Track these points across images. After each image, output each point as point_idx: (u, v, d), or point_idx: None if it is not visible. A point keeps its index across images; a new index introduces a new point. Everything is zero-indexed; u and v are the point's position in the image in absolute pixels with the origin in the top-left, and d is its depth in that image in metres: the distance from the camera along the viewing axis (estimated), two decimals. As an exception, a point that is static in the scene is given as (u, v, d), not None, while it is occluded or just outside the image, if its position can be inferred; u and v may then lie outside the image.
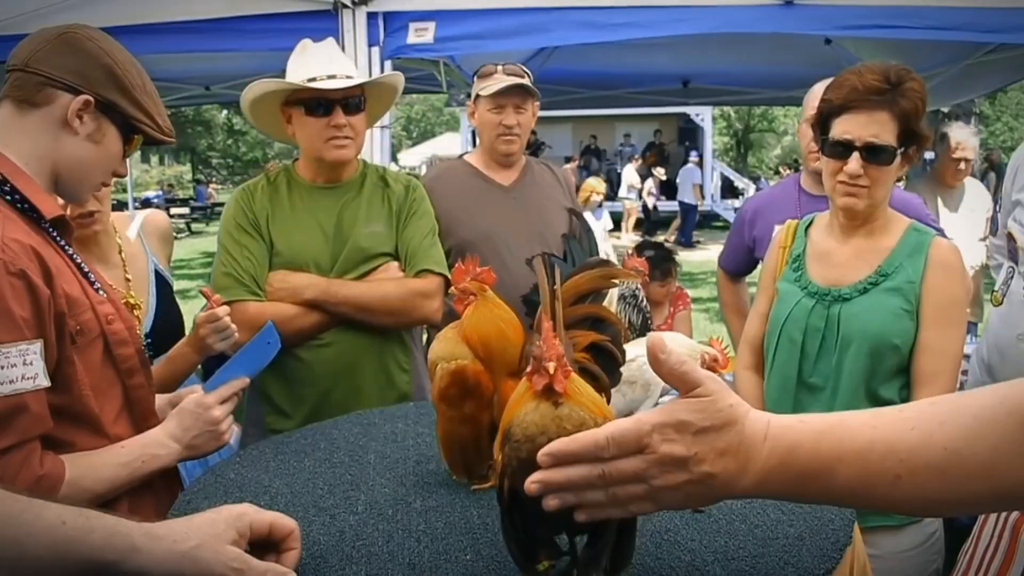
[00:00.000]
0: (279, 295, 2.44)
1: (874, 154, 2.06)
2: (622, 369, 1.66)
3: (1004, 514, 1.38)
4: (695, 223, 18.69)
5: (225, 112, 33.82)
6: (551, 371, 1.04)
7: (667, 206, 20.43)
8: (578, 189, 7.17)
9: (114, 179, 1.84)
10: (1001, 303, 2.48)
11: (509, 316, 1.42)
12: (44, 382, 1.47)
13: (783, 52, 6.37)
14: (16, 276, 1.45)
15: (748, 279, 3.53)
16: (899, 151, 2.07)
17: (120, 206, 16.75)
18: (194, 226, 24.45)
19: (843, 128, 2.09)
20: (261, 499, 1.47)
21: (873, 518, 2.08)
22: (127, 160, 1.83)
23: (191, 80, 7.74)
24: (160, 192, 25.85)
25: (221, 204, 26.10)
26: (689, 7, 4.24)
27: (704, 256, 14.90)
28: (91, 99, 1.60)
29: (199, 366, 2.32)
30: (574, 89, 7.87)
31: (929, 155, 5.30)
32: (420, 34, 4.39)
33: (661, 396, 1.77)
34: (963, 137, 4.72)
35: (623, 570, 1.14)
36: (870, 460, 0.93)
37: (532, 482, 0.97)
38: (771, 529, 1.31)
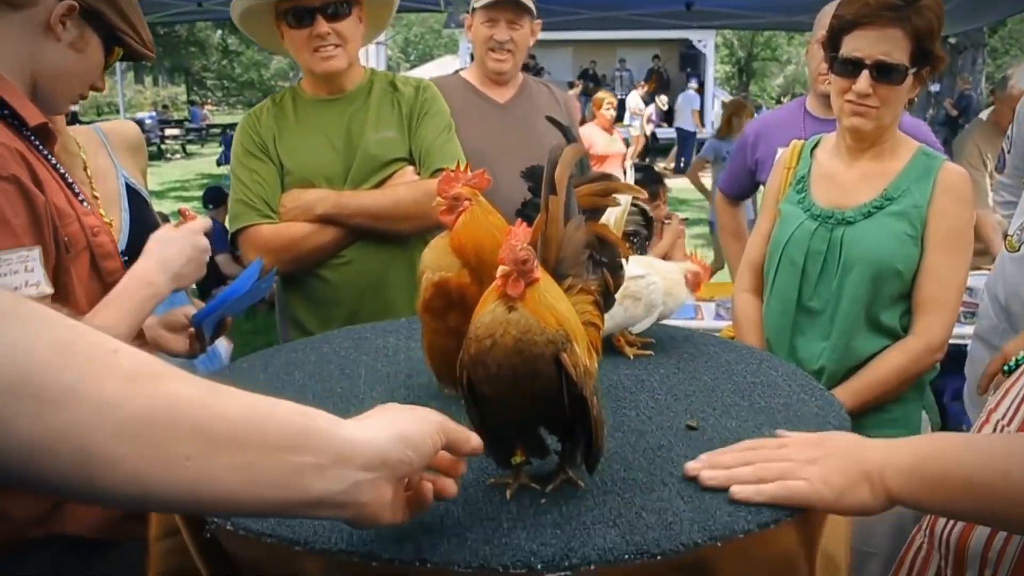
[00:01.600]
0: (292, 214, 2.40)
1: (884, 73, 2.00)
2: (629, 283, 1.63)
3: (1006, 422, 1.37)
4: (692, 150, 18.51)
5: (220, 32, 33.20)
6: (505, 275, 1.06)
7: (666, 133, 20.22)
8: (583, 122, 7.02)
9: (97, 97, 1.78)
10: (1017, 249, 2.43)
11: (503, 224, 1.38)
12: (47, 289, 1.45)
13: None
14: (8, 181, 1.41)
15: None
16: (911, 71, 2.01)
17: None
18: (189, 148, 24.21)
19: (853, 45, 2.02)
20: (250, 410, 1.44)
21: (870, 431, 2.07)
22: (106, 75, 1.77)
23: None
24: (154, 113, 25.50)
25: (216, 126, 25.89)
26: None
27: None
28: (76, 5, 1.54)
29: (193, 285, 2.29)
30: (575, 10, 7.69)
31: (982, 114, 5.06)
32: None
33: (659, 320, 1.75)
34: None
35: (596, 465, 1.15)
36: (980, 448, 1.10)
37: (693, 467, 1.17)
38: (766, 447, 1.29)
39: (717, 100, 22.14)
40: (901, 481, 1.08)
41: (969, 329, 3.22)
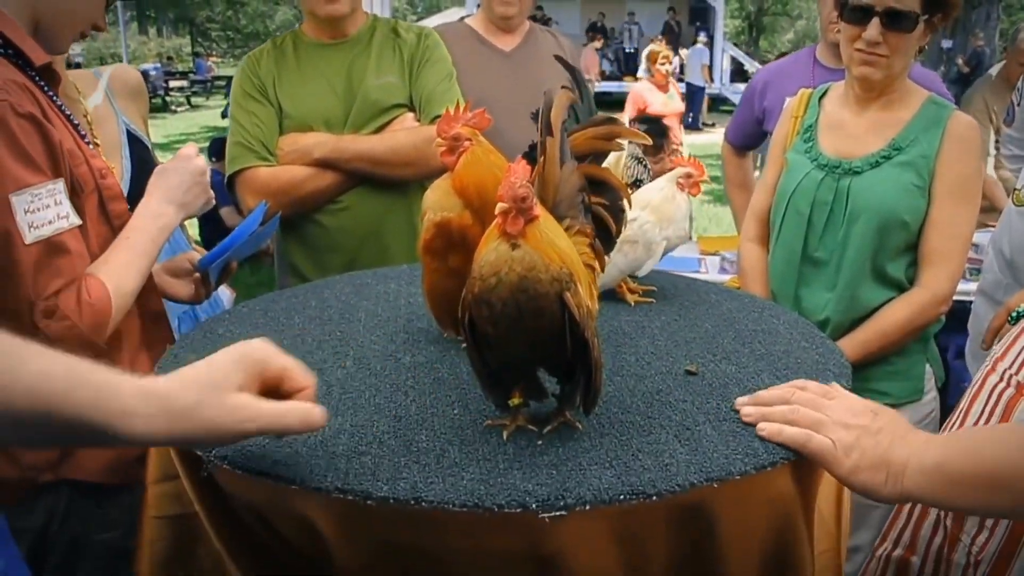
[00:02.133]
0: (290, 158, 2.38)
1: (895, 20, 1.96)
2: (626, 227, 1.62)
3: (998, 391, 1.35)
4: (702, 105, 18.32)
5: (225, -19, 32.86)
6: (504, 212, 1.04)
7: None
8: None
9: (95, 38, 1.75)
10: None
11: (504, 164, 1.36)
12: (76, 220, 1.49)
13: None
14: (25, 118, 1.42)
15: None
16: (922, 18, 1.97)
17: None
18: (194, 100, 24.07)
19: None
20: (248, 353, 1.44)
21: (871, 395, 2.00)
22: (109, 25, 1.73)
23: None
24: (158, 65, 25.30)
25: (221, 78, 25.70)
26: None
27: (711, 139, 14.69)
28: None
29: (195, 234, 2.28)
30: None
31: (994, 68, 4.95)
32: None
33: (669, 249, 1.73)
34: None
35: (594, 407, 1.15)
36: (1002, 437, 1.10)
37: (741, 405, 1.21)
38: (766, 392, 1.28)
39: (726, 55, 21.92)
40: (919, 480, 1.09)
41: (973, 286, 3.20)
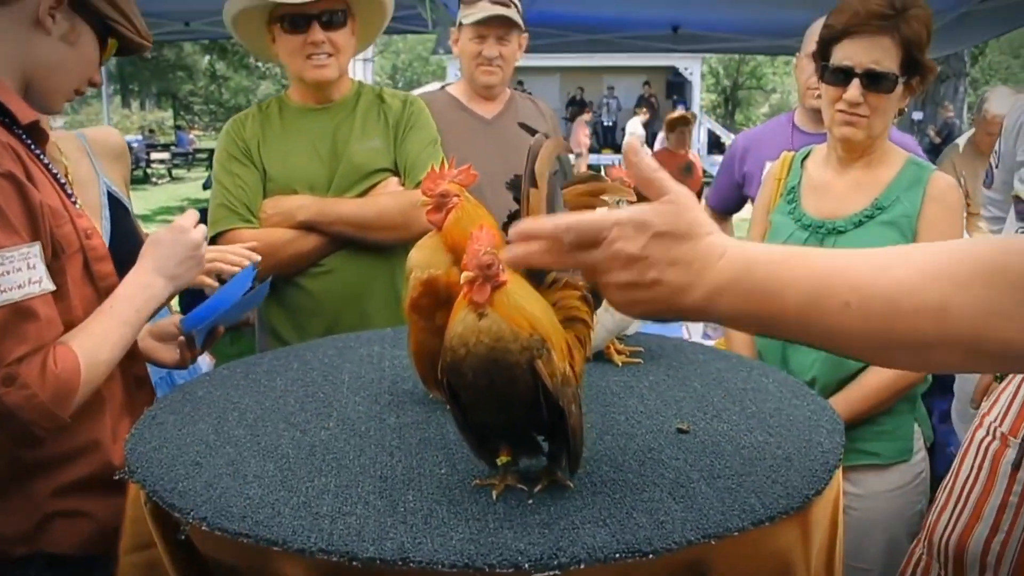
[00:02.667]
0: (273, 220, 2.36)
1: (875, 81, 1.99)
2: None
3: (984, 444, 1.34)
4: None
5: (208, 57, 33.29)
6: (470, 281, 1.04)
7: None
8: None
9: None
10: None
11: (492, 221, 1.35)
12: (49, 285, 1.43)
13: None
14: (5, 177, 1.38)
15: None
16: (901, 80, 2.00)
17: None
18: (175, 172, 24.14)
19: (844, 54, 2.01)
20: (230, 415, 1.41)
21: (860, 456, 2.04)
22: (92, 97, 1.72)
23: (170, 15, 7.53)
24: (140, 137, 25.43)
25: (202, 150, 25.82)
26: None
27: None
28: None
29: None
30: (562, 32, 7.71)
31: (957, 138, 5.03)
32: (405, -36, 4.25)
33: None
34: (999, 109, 4.36)
35: (576, 468, 1.12)
36: (821, 283, 0.91)
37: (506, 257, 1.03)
38: (758, 450, 1.26)
39: (703, 127, 22.30)
40: (722, 298, 0.93)
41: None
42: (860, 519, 2.07)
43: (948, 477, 1.47)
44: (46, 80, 1.56)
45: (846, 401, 2.01)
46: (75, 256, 1.54)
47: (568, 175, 1.41)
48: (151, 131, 28.58)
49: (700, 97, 23.59)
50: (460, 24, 3.02)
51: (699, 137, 21.25)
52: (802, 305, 0.91)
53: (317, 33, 2.34)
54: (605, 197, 1.39)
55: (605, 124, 23.33)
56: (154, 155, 23.59)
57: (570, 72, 22.57)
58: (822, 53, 2.08)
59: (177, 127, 32.61)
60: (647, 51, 9.43)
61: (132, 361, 1.68)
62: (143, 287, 1.62)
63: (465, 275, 1.04)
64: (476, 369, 1.04)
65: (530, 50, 3.31)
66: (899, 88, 2.00)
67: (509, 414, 1.09)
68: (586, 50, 11.12)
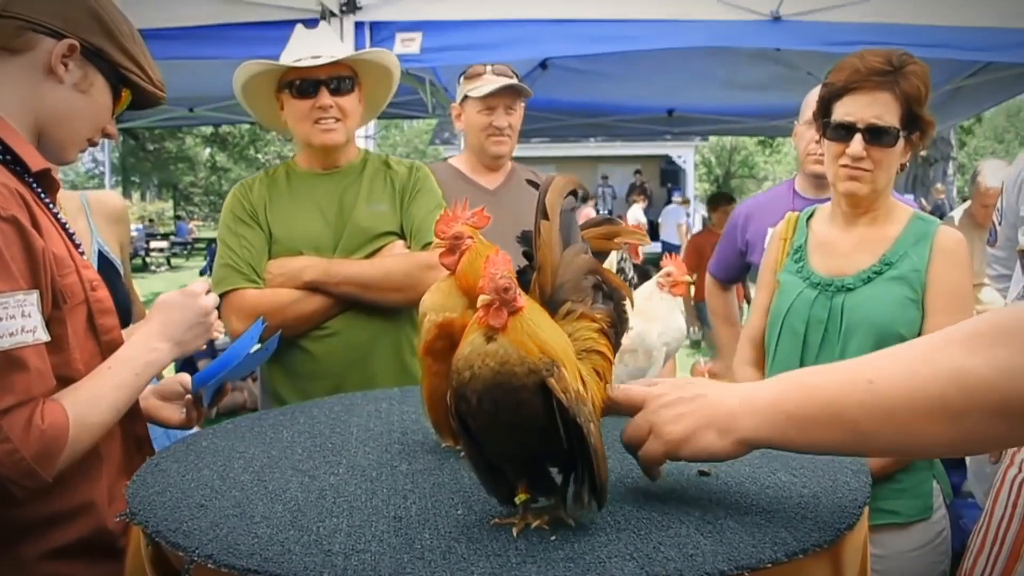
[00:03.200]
0: (278, 281, 2.34)
1: (877, 136, 2.00)
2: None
3: (1019, 482, 1.30)
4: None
5: (208, 149, 33.78)
6: (487, 305, 1.02)
7: (649, 248, 20.44)
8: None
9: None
10: None
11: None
12: (44, 336, 1.37)
13: (768, 82, 6.39)
14: (8, 222, 1.35)
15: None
16: (902, 134, 2.02)
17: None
18: (173, 261, 24.27)
19: (845, 110, 2.04)
20: (235, 463, 1.36)
21: (880, 515, 1.98)
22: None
23: (174, 101, 7.64)
24: (140, 226, 25.63)
25: (201, 240, 26.03)
26: (677, 21, 4.22)
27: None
28: (76, 44, 1.49)
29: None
30: (557, 117, 7.84)
31: (956, 211, 5.08)
32: (407, 44, 4.34)
33: (671, 353, 1.69)
34: (993, 182, 4.41)
35: (604, 500, 1.08)
36: (846, 373, 1.02)
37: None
38: (784, 489, 1.22)
39: (697, 214, 22.55)
40: (755, 423, 1.06)
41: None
42: (881, 570, 2.00)
43: (981, 520, 1.42)
44: (58, 129, 1.55)
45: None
46: (79, 307, 1.51)
47: (574, 235, 1.40)
48: (151, 221, 28.87)
49: (694, 185, 23.92)
50: (465, 98, 3.06)
51: (694, 223, 21.47)
52: (830, 390, 1.00)
53: (325, 98, 2.37)
54: (619, 240, 1.38)
55: (602, 213, 23.58)
56: (153, 244, 23.78)
57: (565, 162, 22.90)
58: (823, 111, 2.11)
59: (177, 217, 32.93)
60: (643, 135, 9.60)
61: (133, 421, 1.64)
62: (147, 350, 1.58)
63: (482, 298, 1.01)
64: (480, 393, 1.01)
65: (525, 134, 3.35)
66: (900, 142, 2.02)
67: (521, 441, 1.05)
68: (581, 134, 11.31)
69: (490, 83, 2.98)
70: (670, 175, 23.92)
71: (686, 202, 20.11)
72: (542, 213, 1.18)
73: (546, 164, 23.58)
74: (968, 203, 4.79)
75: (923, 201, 14.47)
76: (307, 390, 2.34)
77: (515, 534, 1.04)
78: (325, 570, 0.94)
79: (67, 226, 1.58)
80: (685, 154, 21.79)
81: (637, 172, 23.99)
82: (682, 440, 1.09)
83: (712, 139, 31.25)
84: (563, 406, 1.01)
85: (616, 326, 1.23)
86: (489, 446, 1.07)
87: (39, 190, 1.51)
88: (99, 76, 1.54)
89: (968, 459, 2.75)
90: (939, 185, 14.72)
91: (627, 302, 1.30)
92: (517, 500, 1.10)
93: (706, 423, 1.09)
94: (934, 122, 2.11)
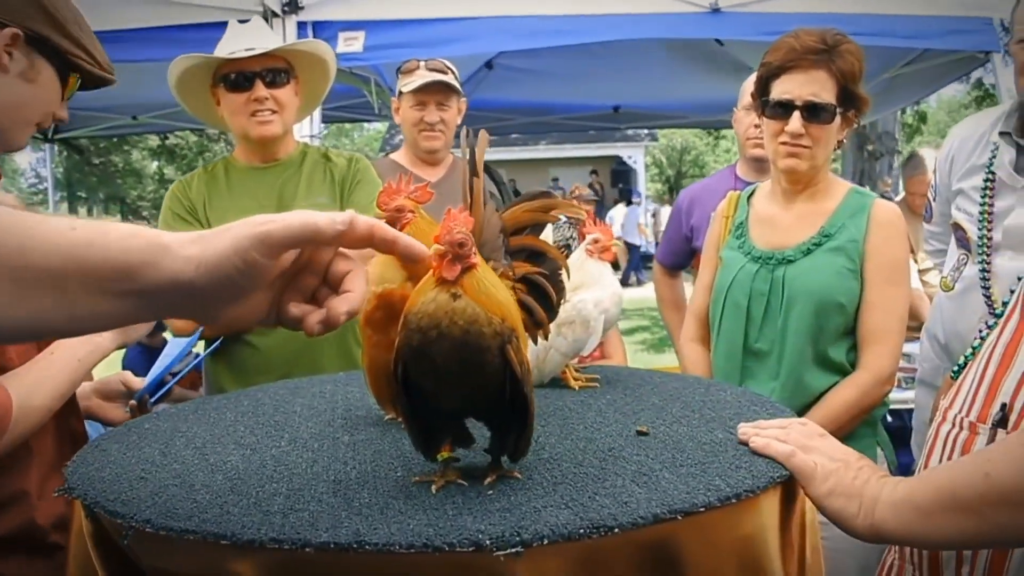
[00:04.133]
0: None
1: (814, 113, 2.05)
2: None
3: (952, 437, 1.34)
4: (638, 262, 18.65)
5: (156, 162, 33.30)
6: (441, 255, 1.01)
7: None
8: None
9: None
10: (952, 288, 2.47)
11: None
12: None
13: (710, 75, 6.47)
14: None
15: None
16: (839, 111, 2.07)
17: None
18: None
19: (783, 88, 2.08)
20: (178, 440, 1.35)
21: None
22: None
23: (117, 109, 7.52)
24: (87, 242, 25.13)
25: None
26: (619, 15, 4.27)
27: (640, 294, 14.95)
28: (19, 32, 1.47)
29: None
30: (507, 116, 7.86)
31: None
32: (349, 43, 4.33)
33: (610, 323, 1.70)
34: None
35: (522, 458, 1.12)
36: (962, 462, 1.14)
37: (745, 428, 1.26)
38: (720, 445, 1.24)
39: (647, 213, 22.74)
40: (889, 514, 1.11)
41: (909, 394, 3.22)
42: (831, 548, 2.03)
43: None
44: (5, 117, 1.51)
45: (807, 424, 2.00)
46: None
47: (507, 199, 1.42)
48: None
49: (645, 185, 24.10)
50: (400, 93, 3.08)
51: (648, 222, 21.65)
52: (947, 480, 1.09)
53: (260, 90, 2.37)
54: (555, 213, 1.40)
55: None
56: (101, 259, 23.37)
57: (516, 164, 22.96)
58: (762, 90, 2.15)
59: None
60: (590, 133, 9.67)
61: (69, 415, 1.61)
62: (86, 340, 1.57)
63: (435, 248, 1.01)
64: (447, 353, 1.00)
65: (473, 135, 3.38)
66: (837, 119, 2.07)
67: (471, 401, 1.06)
68: (530, 133, 11.30)
69: (421, 78, 3.01)
70: (621, 175, 24.09)
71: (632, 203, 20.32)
72: (472, 170, 1.19)
73: (498, 167, 23.67)
74: (904, 196, 4.87)
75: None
76: (253, 383, 2.33)
77: (434, 491, 1.05)
78: (263, 527, 0.94)
79: None
80: (635, 154, 21.98)
81: (593, 173, 24.11)
82: (829, 492, 1.16)
83: (662, 140, 31.54)
84: (516, 377, 1.03)
85: (544, 291, 1.24)
86: (434, 404, 1.08)
87: None
88: (45, 63, 1.52)
89: (913, 434, 2.80)
90: (886, 178, 14.99)
91: (563, 272, 1.32)
92: (440, 457, 1.11)
93: (853, 494, 1.15)
94: (869, 99, 2.16)
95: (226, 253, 0.83)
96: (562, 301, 1.33)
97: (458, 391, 1.05)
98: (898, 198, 4.96)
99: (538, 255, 1.30)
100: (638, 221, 18.85)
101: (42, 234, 0.78)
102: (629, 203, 19.82)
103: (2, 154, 1.57)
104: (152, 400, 1.83)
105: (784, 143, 2.08)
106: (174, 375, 1.96)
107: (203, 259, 0.82)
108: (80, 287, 0.79)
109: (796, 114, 2.04)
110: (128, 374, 1.84)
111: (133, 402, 1.80)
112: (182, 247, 0.82)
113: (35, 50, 1.51)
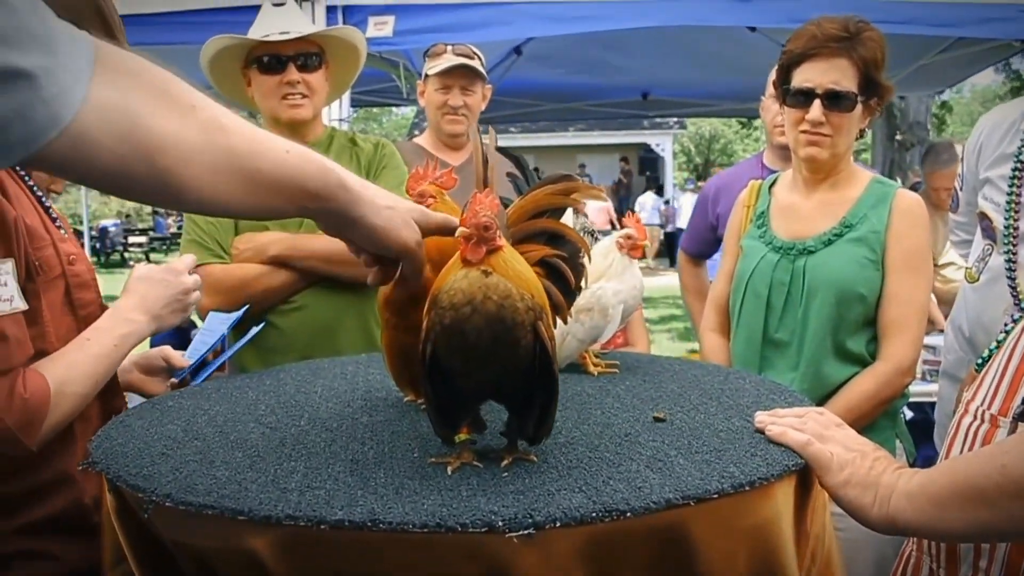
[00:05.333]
0: (245, 256, 2.34)
1: (835, 101, 2.03)
2: (578, 297, 1.60)
3: (973, 429, 1.33)
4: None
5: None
6: (467, 238, 1.03)
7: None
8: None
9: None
10: (977, 279, 2.45)
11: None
12: (21, 304, 1.37)
13: (742, 62, 6.42)
14: None
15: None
16: (860, 99, 2.05)
17: (76, 235, 16.42)
18: (152, 256, 24.11)
19: (804, 76, 2.07)
20: (200, 418, 1.37)
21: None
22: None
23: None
24: (118, 221, 25.45)
25: (179, 234, 25.87)
26: (650, 2, 4.24)
27: (664, 281, 14.91)
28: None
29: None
30: (533, 102, 7.85)
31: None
32: (379, 27, 4.34)
33: (628, 313, 1.70)
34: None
35: (543, 440, 1.13)
36: (979, 453, 1.15)
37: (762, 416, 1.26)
38: (737, 432, 1.24)
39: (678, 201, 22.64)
40: (904, 505, 1.11)
41: (932, 387, 3.20)
42: (847, 539, 2.02)
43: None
44: None
45: (827, 414, 2.00)
46: (56, 281, 1.49)
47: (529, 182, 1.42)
48: (128, 216, 28.63)
49: (673, 174, 23.98)
50: (426, 75, 3.09)
51: (679, 209, 21.55)
52: (963, 472, 1.09)
53: (292, 73, 2.38)
54: (576, 196, 1.40)
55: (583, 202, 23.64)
56: (132, 239, 23.62)
57: (544, 151, 22.93)
58: (783, 78, 2.13)
59: (154, 212, 32.67)
60: (619, 120, 9.64)
61: (111, 395, 1.63)
62: (125, 322, 1.58)
63: (461, 231, 1.02)
64: (481, 329, 1.01)
65: (502, 122, 3.38)
66: (859, 108, 2.05)
67: (500, 378, 1.07)
68: (558, 119, 11.28)
69: (447, 61, 3.01)
70: (649, 163, 23.98)
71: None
72: (485, 163, 1.21)
73: (526, 154, 23.59)
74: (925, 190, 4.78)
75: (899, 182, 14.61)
76: (275, 364, 2.35)
77: (449, 472, 1.06)
78: (280, 504, 0.95)
79: (43, 199, 1.58)
80: (663, 142, 21.84)
81: (623, 160, 24.02)
82: (844, 482, 1.16)
83: (691, 127, 31.34)
84: (547, 352, 1.04)
85: (562, 274, 1.24)
86: (464, 382, 1.08)
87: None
88: None
89: (936, 427, 2.78)
90: (916, 167, 14.83)
91: (584, 256, 1.32)
92: (458, 439, 1.13)
93: (869, 484, 1.15)
94: (892, 88, 2.14)
95: (400, 213, 1.14)
96: (581, 285, 1.34)
97: (488, 369, 1.06)
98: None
99: (558, 238, 1.30)
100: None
101: (269, 149, 0.99)
102: (659, 192, 19.78)
103: None
104: (194, 381, 1.84)
105: (804, 131, 2.07)
106: (217, 355, 1.97)
107: (392, 208, 1.13)
108: (294, 194, 1.02)
109: (816, 102, 2.03)
110: (168, 349, 1.86)
111: (174, 380, 1.82)
112: (376, 196, 1.11)
113: None
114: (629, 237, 1.72)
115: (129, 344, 1.58)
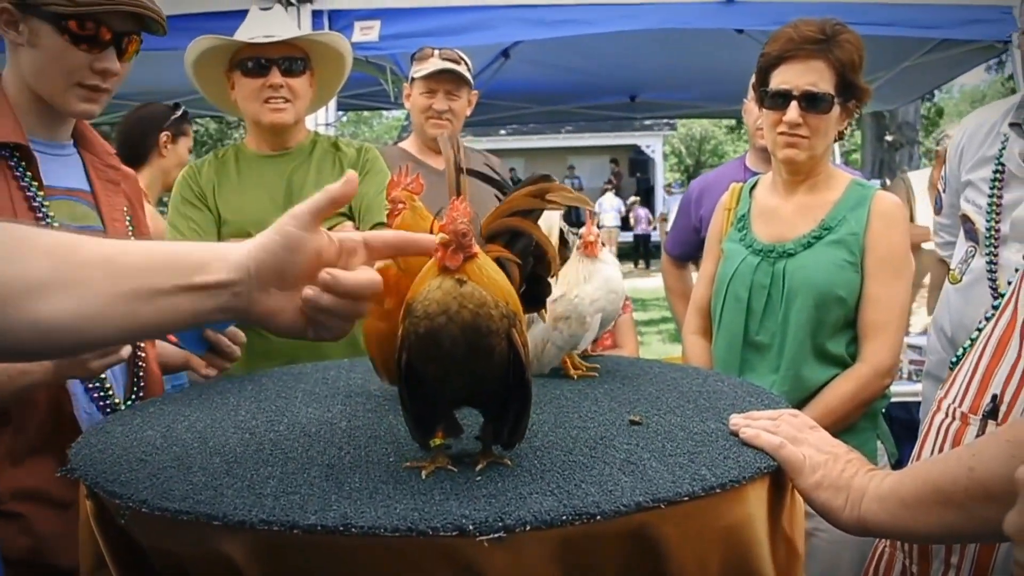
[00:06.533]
0: None
1: (812, 103, 2.05)
2: (555, 305, 1.62)
3: (944, 427, 1.34)
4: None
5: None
6: (445, 244, 1.03)
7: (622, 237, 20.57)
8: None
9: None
10: (960, 281, 2.47)
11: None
12: None
13: (728, 64, 6.45)
14: None
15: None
16: (838, 101, 2.07)
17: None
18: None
19: (781, 78, 2.09)
20: (179, 424, 1.38)
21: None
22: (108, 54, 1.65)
23: (137, 96, 7.55)
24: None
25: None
26: (635, 4, 4.26)
27: (656, 283, 14.94)
28: (6, 6, 1.54)
29: None
30: (523, 105, 7.87)
31: None
32: (365, 32, 4.35)
33: (608, 319, 1.71)
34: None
35: (517, 444, 1.14)
36: (948, 456, 1.13)
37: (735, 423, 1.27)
38: (711, 435, 1.26)
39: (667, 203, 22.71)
40: (875, 508, 1.13)
41: (919, 387, 3.22)
42: (829, 540, 2.04)
43: (910, 462, 1.47)
44: (37, 87, 1.61)
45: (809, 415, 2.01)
46: None
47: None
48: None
49: (664, 175, 24.02)
50: (412, 79, 3.10)
51: (671, 210, 21.60)
52: (932, 476, 1.09)
53: (276, 77, 2.39)
54: (551, 197, 1.41)
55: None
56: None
57: (534, 153, 22.96)
58: (761, 80, 2.15)
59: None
60: (608, 123, 9.66)
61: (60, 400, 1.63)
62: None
63: (440, 237, 1.03)
64: (455, 338, 1.02)
65: (491, 124, 3.40)
66: (836, 109, 2.07)
67: (475, 386, 1.08)
68: (547, 122, 11.29)
69: (433, 65, 3.03)
70: (639, 164, 24.02)
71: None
72: (458, 169, 1.23)
73: (516, 156, 23.61)
74: (929, 170, 4.81)
75: (887, 182, 14.66)
76: (258, 368, 2.36)
77: (423, 477, 1.07)
78: (254, 509, 0.96)
79: (33, 199, 1.59)
80: (653, 143, 21.90)
81: (613, 162, 24.04)
82: (816, 484, 1.16)
83: (681, 129, 31.41)
84: (520, 360, 1.05)
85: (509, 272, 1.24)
86: (435, 391, 1.09)
87: (13, 162, 1.56)
88: (43, 24, 1.56)
89: (920, 416, 2.81)
90: (905, 168, 14.91)
91: (544, 251, 1.33)
92: (432, 443, 1.14)
93: (841, 487, 1.16)
94: (870, 90, 2.16)
95: (268, 234, 1.02)
96: (549, 279, 1.35)
97: (463, 377, 1.07)
98: (924, 174, 4.88)
99: (516, 235, 1.30)
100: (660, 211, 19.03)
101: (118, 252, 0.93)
102: (649, 194, 19.88)
103: (74, 119, 1.73)
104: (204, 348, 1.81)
105: (782, 133, 2.09)
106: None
107: (253, 245, 0.99)
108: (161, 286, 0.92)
109: (794, 104, 2.05)
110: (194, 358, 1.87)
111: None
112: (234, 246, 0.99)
113: (30, 16, 1.57)
114: (584, 241, 1.72)
115: (24, 381, 1.51)
